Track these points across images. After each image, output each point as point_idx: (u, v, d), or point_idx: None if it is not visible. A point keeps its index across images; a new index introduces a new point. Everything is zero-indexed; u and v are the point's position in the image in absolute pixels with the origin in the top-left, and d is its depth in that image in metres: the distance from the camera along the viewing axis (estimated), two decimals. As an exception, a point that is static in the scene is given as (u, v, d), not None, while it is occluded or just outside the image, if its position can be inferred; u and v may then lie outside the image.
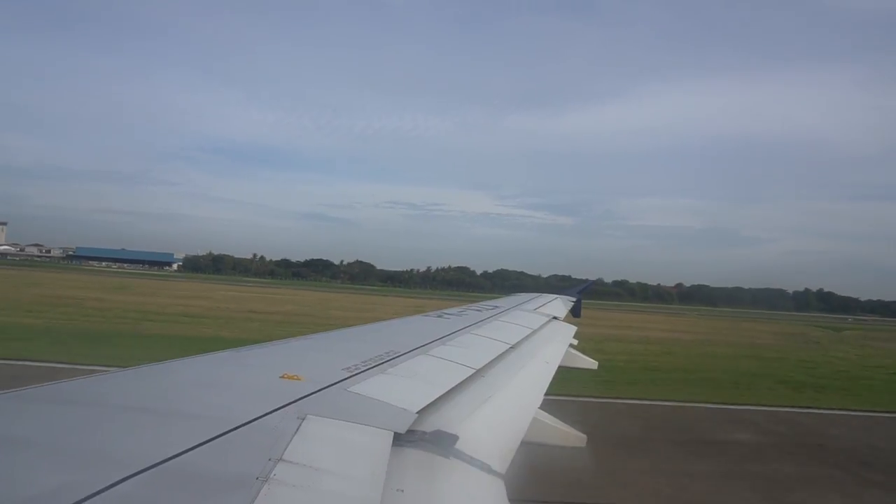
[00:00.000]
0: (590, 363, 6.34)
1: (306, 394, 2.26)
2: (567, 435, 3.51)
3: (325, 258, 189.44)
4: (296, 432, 1.83)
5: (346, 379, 2.59)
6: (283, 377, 2.50)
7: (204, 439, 1.65)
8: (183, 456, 1.53)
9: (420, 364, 3.25)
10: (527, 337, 5.51)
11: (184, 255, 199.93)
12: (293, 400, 2.14)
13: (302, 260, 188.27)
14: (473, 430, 2.49)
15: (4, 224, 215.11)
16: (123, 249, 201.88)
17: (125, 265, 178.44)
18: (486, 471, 2.15)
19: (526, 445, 2.80)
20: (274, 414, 1.97)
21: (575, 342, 6.76)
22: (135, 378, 2.47)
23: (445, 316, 6.06)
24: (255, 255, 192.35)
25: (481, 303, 8.93)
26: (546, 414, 3.48)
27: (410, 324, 5.47)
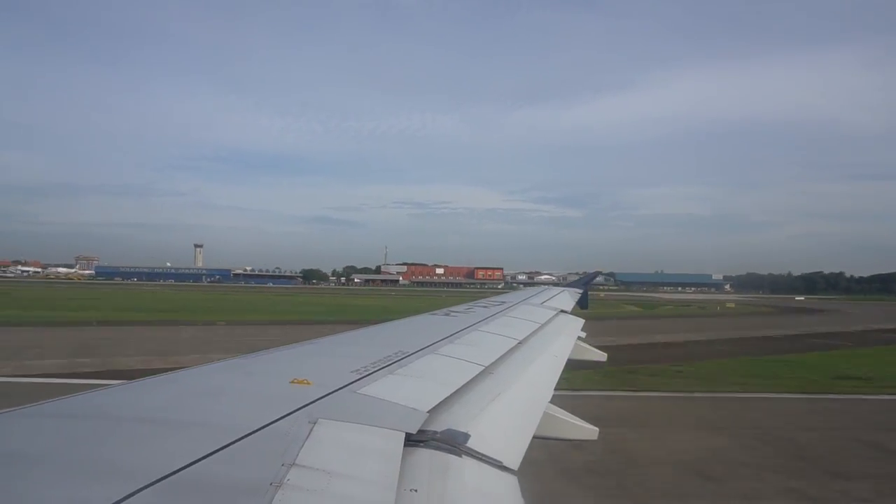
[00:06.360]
0: (599, 355, 6.33)
1: (316, 398, 2.26)
2: (579, 428, 3.50)
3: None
4: (307, 436, 1.84)
5: (355, 381, 2.60)
6: (292, 382, 2.51)
7: (216, 447, 1.66)
8: (196, 465, 1.54)
9: (429, 363, 3.25)
10: (535, 332, 5.50)
11: (721, 276, 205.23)
12: (304, 404, 2.15)
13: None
14: (485, 427, 2.48)
15: (200, 246, 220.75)
16: (660, 272, 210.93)
17: (664, 288, 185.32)
18: (498, 468, 2.14)
19: (538, 440, 2.80)
20: (285, 419, 1.98)
21: (583, 335, 6.74)
22: (145, 389, 2.48)
23: (453, 314, 6.06)
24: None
25: (488, 299, 8.92)
26: (557, 408, 3.46)
27: (418, 323, 5.47)
